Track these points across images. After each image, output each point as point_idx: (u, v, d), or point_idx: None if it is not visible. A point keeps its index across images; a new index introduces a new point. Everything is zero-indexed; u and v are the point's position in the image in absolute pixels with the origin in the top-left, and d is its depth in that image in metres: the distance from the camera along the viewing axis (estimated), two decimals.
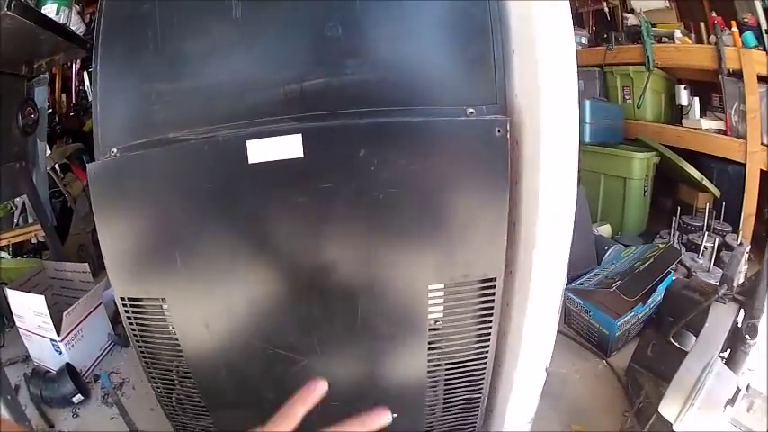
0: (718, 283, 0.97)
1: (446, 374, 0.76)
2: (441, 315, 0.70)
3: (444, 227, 0.65)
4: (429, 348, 0.71)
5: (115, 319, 1.28)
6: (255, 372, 0.74)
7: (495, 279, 0.68)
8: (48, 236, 1.47)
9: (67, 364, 1.07)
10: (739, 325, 0.86)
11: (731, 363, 0.83)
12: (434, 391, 0.78)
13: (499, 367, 0.80)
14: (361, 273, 0.66)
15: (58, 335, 1.08)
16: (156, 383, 0.79)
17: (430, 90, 0.63)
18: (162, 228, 0.67)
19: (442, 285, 0.67)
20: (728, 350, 0.86)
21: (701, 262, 1.19)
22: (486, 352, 0.74)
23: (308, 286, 0.68)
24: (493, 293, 0.69)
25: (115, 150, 0.66)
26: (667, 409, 0.79)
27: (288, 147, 0.61)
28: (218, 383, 0.76)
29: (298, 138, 0.61)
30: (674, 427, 0.79)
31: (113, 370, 1.12)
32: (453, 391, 0.77)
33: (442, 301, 0.69)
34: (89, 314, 1.20)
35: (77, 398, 1.01)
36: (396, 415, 0.78)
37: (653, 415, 0.88)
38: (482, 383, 0.77)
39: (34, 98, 1.42)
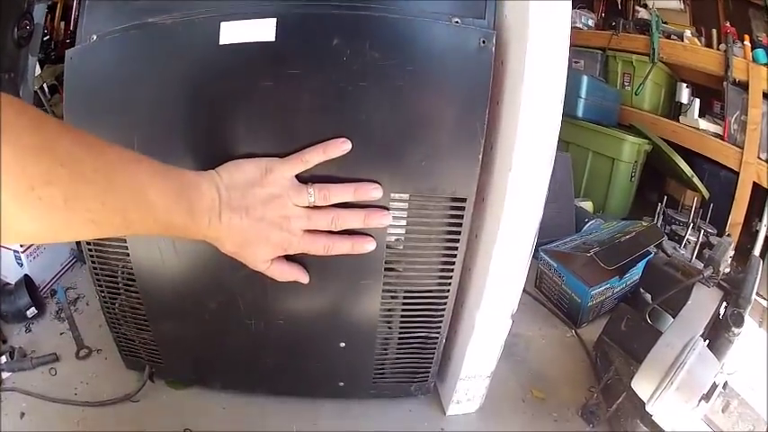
0: (703, 265, 0.95)
1: (403, 305, 0.72)
2: (402, 232, 0.66)
3: (415, 133, 0.61)
4: (385, 269, 0.67)
5: None
6: (199, 278, 0.70)
7: (465, 200, 0.64)
8: None
9: (26, 276, 1.03)
10: (722, 314, 0.83)
11: (713, 350, 0.78)
12: (388, 324, 0.74)
13: (461, 307, 0.76)
14: (321, 167, 0.62)
15: (21, 245, 1.04)
16: (101, 287, 0.75)
17: None
18: (125, 112, 0.64)
19: (406, 196, 0.64)
20: (707, 341, 0.82)
21: (682, 252, 1.16)
22: (449, 283, 0.70)
23: None
24: (461, 216, 0.65)
25: (95, 37, 0.64)
26: (641, 385, 0.75)
27: (260, 30, 0.59)
28: (161, 290, 0.72)
29: (272, 21, 0.59)
30: (648, 408, 0.74)
31: (71, 285, 1.09)
32: (409, 325, 0.73)
33: (405, 215, 0.65)
34: None
35: (31, 311, 0.98)
36: (343, 344, 0.75)
37: (622, 393, 0.83)
38: (441, 320, 0.73)
39: (33, 12, 1.40)
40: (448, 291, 0.70)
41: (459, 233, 0.66)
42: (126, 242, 0.68)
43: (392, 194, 0.63)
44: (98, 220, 0.38)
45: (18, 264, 1.07)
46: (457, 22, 0.61)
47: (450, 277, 0.69)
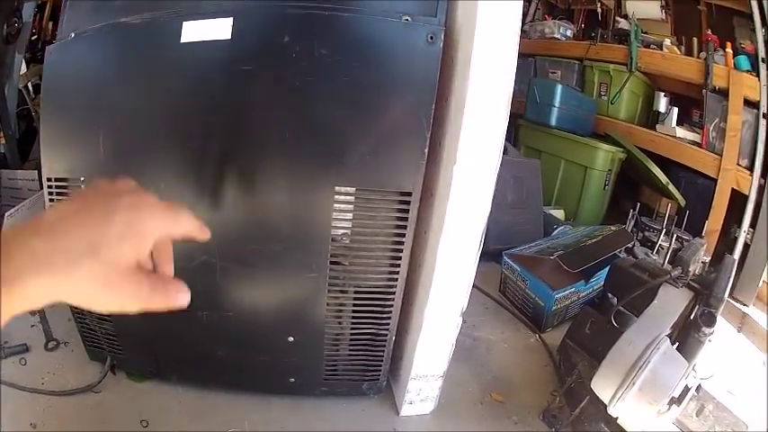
0: (671, 266, 0.93)
1: (353, 301, 0.71)
2: (348, 226, 0.66)
3: (360, 127, 0.62)
4: (331, 262, 0.67)
5: None
6: None
7: (410, 194, 0.64)
8: (8, 143, 1.48)
9: None
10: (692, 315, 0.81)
11: (682, 351, 0.77)
12: (339, 320, 0.73)
13: (411, 304, 0.75)
14: (268, 160, 0.63)
15: None
16: None
17: None
18: (92, 107, 0.67)
19: (352, 190, 0.64)
20: (677, 343, 0.80)
21: (654, 258, 1.15)
22: (396, 279, 0.69)
23: (218, 170, 0.65)
24: (407, 210, 0.65)
25: (73, 34, 0.67)
26: (601, 385, 0.72)
27: (218, 29, 0.61)
28: None
29: (228, 21, 0.61)
30: (609, 410, 0.72)
31: None
32: (359, 321, 0.73)
33: (351, 208, 0.65)
34: None
35: None
36: (291, 339, 0.75)
37: (585, 397, 0.81)
38: (389, 316, 0.72)
39: (22, 11, 1.44)
40: (395, 286, 0.70)
41: (405, 227, 0.66)
42: None
43: (337, 188, 0.63)
44: None
45: None
46: (407, 19, 0.62)
47: (398, 273, 0.69)
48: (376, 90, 0.62)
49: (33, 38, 1.79)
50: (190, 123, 0.64)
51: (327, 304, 0.70)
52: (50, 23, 1.89)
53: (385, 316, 0.72)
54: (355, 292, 0.71)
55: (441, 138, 0.67)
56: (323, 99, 0.61)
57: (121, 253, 0.27)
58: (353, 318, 0.73)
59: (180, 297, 0.32)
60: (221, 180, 0.65)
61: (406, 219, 0.66)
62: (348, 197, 0.64)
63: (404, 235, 0.66)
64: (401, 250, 0.67)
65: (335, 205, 0.64)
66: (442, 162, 0.66)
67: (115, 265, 0.27)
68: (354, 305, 0.72)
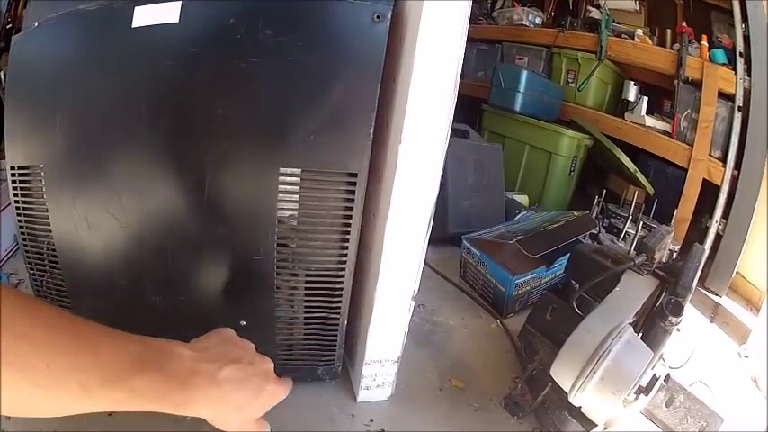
0: (635, 253, 0.91)
1: (305, 284, 0.71)
2: (295, 207, 0.65)
3: (305, 108, 0.61)
4: (279, 244, 0.66)
5: None
6: (110, 253, 0.70)
7: (356, 175, 0.64)
8: None
9: None
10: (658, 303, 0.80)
11: (647, 340, 0.74)
12: (291, 304, 0.73)
13: (362, 289, 0.75)
14: (213, 142, 0.62)
15: None
16: (31, 265, 0.75)
17: None
18: (50, 94, 0.66)
19: (297, 171, 0.63)
20: (641, 333, 0.78)
21: (620, 245, 1.15)
22: (345, 261, 0.69)
23: (165, 153, 0.65)
24: (354, 191, 0.65)
25: (36, 23, 0.66)
26: (560, 373, 0.71)
27: (167, 13, 0.61)
28: (79, 266, 0.73)
29: (177, 4, 0.61)
30: (571, 400, 0.70)
31: (13, 271, 1.09)
32: (310, 305, 0.72)
33: (297, 189, 0.64)
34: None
35: None
36: (243, 323, 0.74)
37: (547, 385, 0.81)
38: (340, 299, 0.72)
39: None
40: (344, 269, 0.69)
41: (352, 209, 0.65)
42: (49, 218, 0.69)
43: (282, 169, 0.63)
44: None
45: None
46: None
47: (346, 255, 0.68)
48: (320, 70, 0.61)
49: (8, 27, 1.77)
50: (139, 108, 0.63)
51: (277, 287, 0.70)
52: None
53: (335, 299, 0.71)
54: (306, 276, 0.70)
55: (388, 118, 0.66)
56: (267, 80, 0.61)
57: (256, 413, 0.44)
58: (306, 301, 0.72)
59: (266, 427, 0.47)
60: (169, 163, 0.65)
61: (352, 200, 0.65)
62: (294, 178, 0.64)
63: (351, 216, 0.66)
64: (349, 232, 0.67)
65: (281, 187, 0.63)
66: (390, 142, 0.66)
67: (250, 419, 0.44)
68: (306, 288, 0.71)
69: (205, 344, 0.44)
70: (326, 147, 0.63)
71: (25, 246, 0.74)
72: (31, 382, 0.31)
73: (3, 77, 1.65)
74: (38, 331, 0.32)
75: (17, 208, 0.72)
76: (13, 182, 0.71)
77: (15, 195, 0.72)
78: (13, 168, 0.70)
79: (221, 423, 0.42)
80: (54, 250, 0.72)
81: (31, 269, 0.76)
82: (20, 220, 0.73)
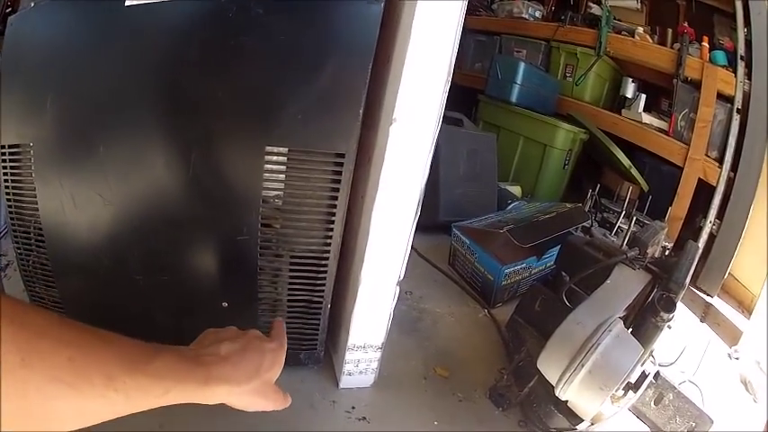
0: (628, 247, 0.90)
1: (289, 266, 0.70)
2: (281, 187, 0.64)
3: (295, 88, 0.60)
4: (262, 224, 0.65)
5: None
6: (94, 231, 0.69)
7: (344, 155, 0.63)
8: None
9: None
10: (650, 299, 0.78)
11: (637, 335, 0.73)
12: (275, 286, 0.72)
13: (347, 273, 0.74)
14: (201, 120, 0.61)
15: None
16: (18, 245, 0.74)
17: None
18: (42, 73, 0.66)
19: (284, 150, 0.62)
20: (631, 328, 0.76)
21: (613, 239, 1.14)
22: (330, 243, 0.68)
23: (153, 130, 0.63)
24: (341, 172, 0.64)
25: (32, 3, 0.65)
26: (547, 366, 0.70)
27: None
28: (64, 245, 0.72)
29: None
30: (557, 393, 0.69)
31: (2, 253, 1.09)
32: (294, 287, 0.71)
33: (284, 169, 0.63)
34: None
35: None
36: (225, 304, 0.73)
37: (534, 377, 0.79)
38: (324, 282, 0.71)
39: None
40: (329, 251, 0.68)
41: (338, 190, 0.64)
42: (36, 197, 0.68)
43: (268, 148, 0.62)
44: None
45: None
46: None
47: (331, 237, 0.67)
48: (311, 50, 0.60)
49: (8, 10, 1.74)
50: (128, 87, 0.62)
51: (261, 269, 0.69)
52: None
53: (319, 282, 0.71)
54: (290, 257, 0.69)
55: (381, 99, 0.65)
56: (257, 58, 0.60)
57: (269, 375, 0.46)
58: (289, 284, 0.71)
59: (288, 400, 0.50)
60: (155, 140, 0.63)
61: (339, 181, 0.64)
62: (280, 158, 0.63)
63: (337, 198, 0.65)
64: (335, 214, 0.66)
65: (267, 166, 0.62)
66: (381, 123, 0.65)
67: (267, 382, 0.46)
68: (290, 270, 0.70)
69: (191, 344, 0.47)
70: (314, 127, 0.62)
71: (13, 225, 0.74)
72: (55, 378, 0.30)
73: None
74: (54, 328, 0.32)
75: (6, 187, 0.72)
76: (3, 161, 0.70)
77: (5, 174, 0.71)
78: (3, 147, 0.69)
79: (245, 404, 0.45)
80: (41, 229, 0.71)
81: (18, 249, 0.75)
82: (9, 200, 0.72)
